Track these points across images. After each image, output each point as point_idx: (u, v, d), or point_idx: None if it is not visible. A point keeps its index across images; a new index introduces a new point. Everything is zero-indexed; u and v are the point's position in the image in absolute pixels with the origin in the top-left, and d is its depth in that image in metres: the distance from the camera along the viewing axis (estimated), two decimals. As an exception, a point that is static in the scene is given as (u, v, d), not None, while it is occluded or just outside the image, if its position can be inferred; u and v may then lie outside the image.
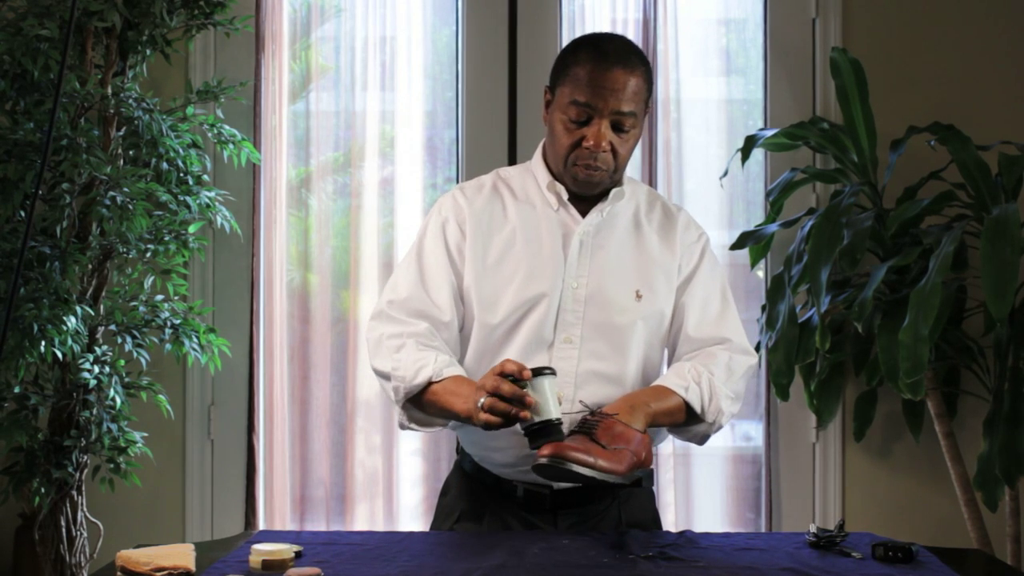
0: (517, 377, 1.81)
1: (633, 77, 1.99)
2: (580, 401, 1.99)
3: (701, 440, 2.08)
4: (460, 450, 2.19)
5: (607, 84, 1.98)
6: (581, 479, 1.78)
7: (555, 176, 2.09)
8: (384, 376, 2.03)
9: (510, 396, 1.80)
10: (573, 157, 2.02)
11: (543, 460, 1.75)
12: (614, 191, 2.08)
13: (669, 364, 2.14)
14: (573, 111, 2.00)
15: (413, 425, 2.05)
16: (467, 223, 2.09)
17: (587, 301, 2.04)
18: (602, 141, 1.99)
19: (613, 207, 2.10)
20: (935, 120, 3.04)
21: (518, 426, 1.83)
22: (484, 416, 1.82)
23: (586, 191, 2.07)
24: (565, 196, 2.08)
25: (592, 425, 1.84)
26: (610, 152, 2.01)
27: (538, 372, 1.82)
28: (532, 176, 2.14)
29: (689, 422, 2.01)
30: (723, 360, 2.04)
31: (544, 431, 1.81)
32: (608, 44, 2.03)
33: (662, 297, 2.08)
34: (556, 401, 1.83)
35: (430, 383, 1.96)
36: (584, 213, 2.08)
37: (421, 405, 2.01)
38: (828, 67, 3.13)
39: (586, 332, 2.03)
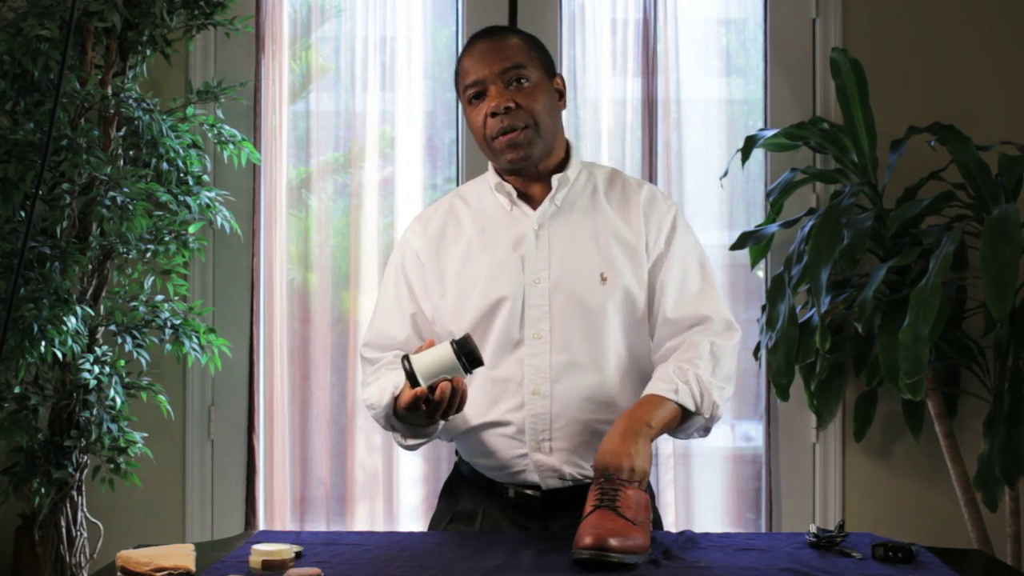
0: (408, 376, 1.85)
1: (504, 40, 2.07)
2: (592, 466, 1.95)
3: (704, 433, 2.06)
4: (459, 455, 2.20)
5: (482, 56, 2.05)
6: (623, 566, 1.74)
7: (502, 177, 2.11)
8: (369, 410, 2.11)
9: (410, 404, 1.87)
10: (488, 133, 2.04)
11: (585, 555, 1.71)
12: (558, 177, 2.08)
13: (653, 350, 2.11)
14: (471, 93, 2.06)
15: (410, 441, 2.09)
16: (423, 250, 2.13)
17: (551, 293, 2.03)
18: (501, 100, 2.01)
19: (568, 193, 2.10)
20: (935, 120, 3.04)
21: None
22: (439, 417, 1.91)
23: (520, 160, 2.05)
24: (515, 194, 2.09)
25: (612, 496, 1.80)
26: (519, 109, 2.02)
27: (405, 357, 1.87)
28: (487, 183, 2.16)
29: (685, 420, 2.00)
30: (705, 349, 2.01)
31: (461, 356, 1.84)
32: (478, 33, 2.13)
33: (628, 276, 2.05)
34: (433, 349, 1.86)
35: (396, 399, 1.99)
36: (537, 208, 2.09)
37: (406, 421, 2.03)
38: (828, 67, 3.13)
39: (555, 324, 2.02)
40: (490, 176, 2.14)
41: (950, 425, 2.98)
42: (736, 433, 3.37)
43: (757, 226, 3.17)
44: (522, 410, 2.02)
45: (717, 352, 2.03)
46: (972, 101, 3.26)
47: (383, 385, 2.02)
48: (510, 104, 2.01)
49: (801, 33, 3.31)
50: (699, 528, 3.17)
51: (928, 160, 3.07)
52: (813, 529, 1.89)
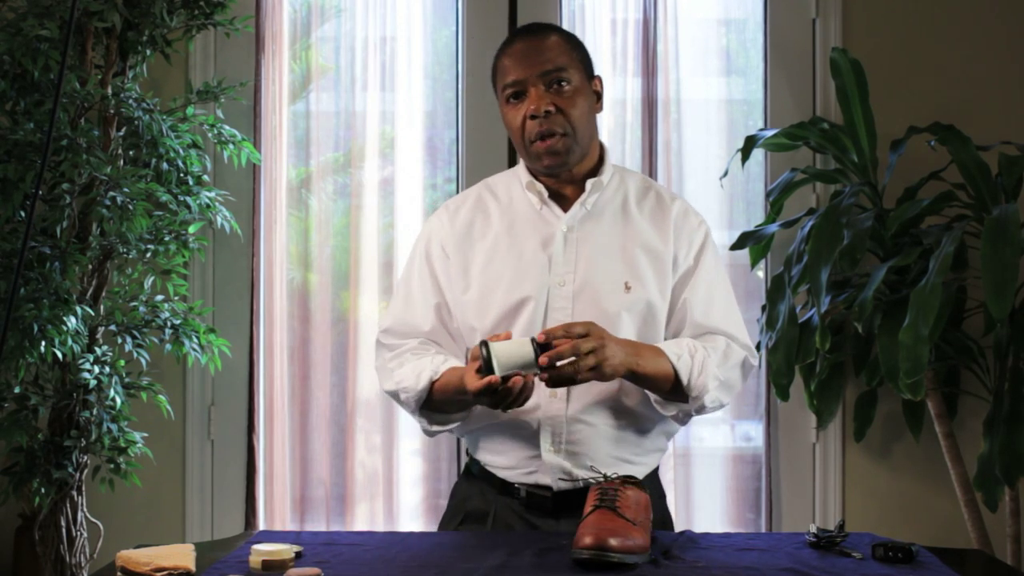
0: (483, 361, 1.83)
1: (546, 39, 2.05)
2: (591, 467, 1.99)
3: (682, 420, 2.07)
4: (469, 454, 2.20)
5: (523, 55, 2.04)
6: (623, 566, 1.75)
7: (536, 176, 2.10)
8: (394, 395, 2.09)
9: (486, 391, 1.84)
10: (527, 136, 2.03)
11: (585, 555, 1.71)
12: (592, 181, 2.07)
13: None
14: (510, 93, 2.05)
15: (435, 427, 2.09)
16: (449, 242, 2.12)
17: (575, 297, 2.03)
18: (541, 103, 2.00)
19: (599, 198, 2.09)
20: (935, 120, 3.04)
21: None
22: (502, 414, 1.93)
23: (556, 166, 2.05)
24: (546, 194, 2.09)
25: (612, 496, 1.80)
26: (558, 113, 2.01)
27: (484, 343, 1.85)
28: (517, 179, 2.15)
29: (673, 395, 2.01)
30: (721, 345, 2.04)
31: (543, 354, 1.83)
32: (519, 28, 2.14)
33: (652, 288, 2.05)
34: (516, 342, 1.85)
35: (433, 383, 2.01)
36: (568, 210, 2.08)
37: (435, 407, 2.05)
38: (828, 67, 3.13)
39: None
40: (522, 173, 2.13)
41: (950, 425, 2.98)
42: (736, 433, 3.37)
43: (757, 226, 3.17)
44: (538, 411, 2.02)
45: (729, 353, 2.05)
46: (972, 101, 3.26)
47: (418, 369, 2.03)
48: (550, 108, 2.01)
49: (801, 33, 3.31)
50: (699, 528, 3.17)
51: (928, 160, 3.07)
52: (813, 529, 1.89)
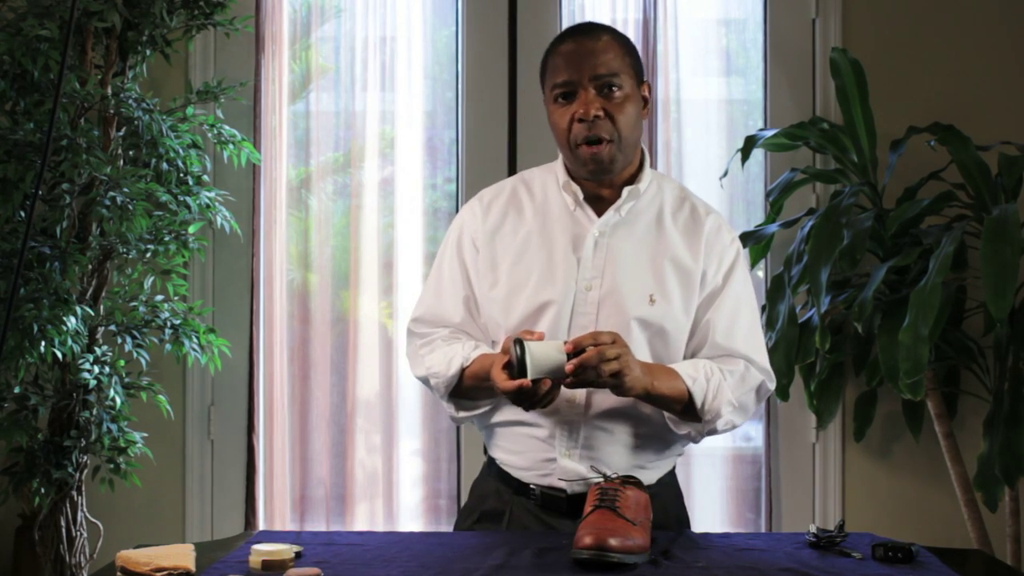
0: (516, 361, 1.83)
1: (600, 41, 2.02)
2: (592, 467, 1.99)
3: (694, 438, 2.07)
4: (487, 453, 2.20)
5: (576, 55, 2.01)
6: (623, 566, 1.74)
7: (573, 176, 2.09)
8: (424, 380, 2.11)
9: (515, 392, 1.84)
10: (572, 138, 2.01)
11: (585, 555, 1.71)
12: (628, 189, 2.06)
13: None
14: (559, 92, 2.03)
15: (462, 414, 2.10)
16: (480, 236, 2.11)
17: (600, 304, 2.02)
18: (590, 107, 1.99)
19: (634, 205, 2.07)
20: (935, 120, 3.04)
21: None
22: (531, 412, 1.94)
23: (599, 172, 2.03)
24: (581, 196, 2.07)
25: (612, 496, 1.80)
26: (606, 118, 1.99)
27: (518, 342, 1.85)
28: (554, 176, 2.13)
29: (685, 415, 2.01)
30: (739, 369, 2.03)
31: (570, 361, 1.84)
32: (573, 27, 2.11)
33: (677, 304, 2.03)
34: (549, 345, 1.85)
35: (463, 370, 2.02)
36: (602, 214, 2.07)
37: (465, 393, 2.06)
38: (828, 67, 3.13)
39: None
40: (559, 171, 2.11)
41: (950, 425, 2.98)
42: (736, 433, 3.37)
43: (757, 226, 3.17)
44: (556, 415, 2.02)
45: (747, 377, 2.04)
46: (972, 101, 3.26)
47: (449, 355, 2.03)
48: (599, 113, 1.99)
49: (801, 33, 3.32)
50: (699, 528, 3.16)
51: (928, 160, 3.07)
52: (813, 529, 1.89)
